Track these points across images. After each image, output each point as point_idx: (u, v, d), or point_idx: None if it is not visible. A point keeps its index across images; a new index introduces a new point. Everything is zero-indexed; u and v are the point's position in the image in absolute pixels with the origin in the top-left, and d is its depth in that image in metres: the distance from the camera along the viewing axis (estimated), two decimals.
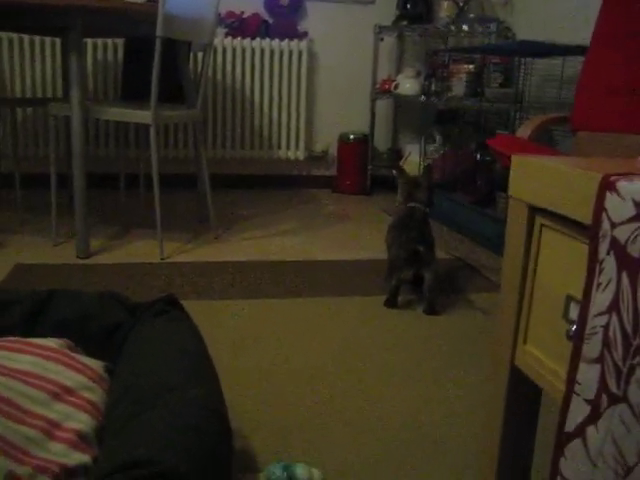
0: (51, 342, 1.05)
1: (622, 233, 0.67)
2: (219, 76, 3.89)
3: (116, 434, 0.90)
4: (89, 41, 3.67)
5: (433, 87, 3.67)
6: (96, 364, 1.07)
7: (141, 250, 2.63)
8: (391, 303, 2.13)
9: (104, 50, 3.73)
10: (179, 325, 1.16)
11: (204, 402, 0.95)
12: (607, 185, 0.69)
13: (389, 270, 2.18)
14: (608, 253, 0.69)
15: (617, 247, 0.68)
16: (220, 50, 3.84)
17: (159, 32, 2.33)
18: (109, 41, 3.72)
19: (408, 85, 3.83)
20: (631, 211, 0.66)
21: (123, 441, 0.87)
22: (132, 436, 0.87)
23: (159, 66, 2.37)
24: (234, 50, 3.87)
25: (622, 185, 0.68)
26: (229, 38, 3.84)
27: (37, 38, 3.63)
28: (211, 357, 1.13)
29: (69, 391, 0.96)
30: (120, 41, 3.72)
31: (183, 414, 0.91)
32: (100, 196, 3.67)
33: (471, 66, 3.46)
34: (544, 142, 3.14)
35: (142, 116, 2.43)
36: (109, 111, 2.46)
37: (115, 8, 2.30)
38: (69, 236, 2.74)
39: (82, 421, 0.92)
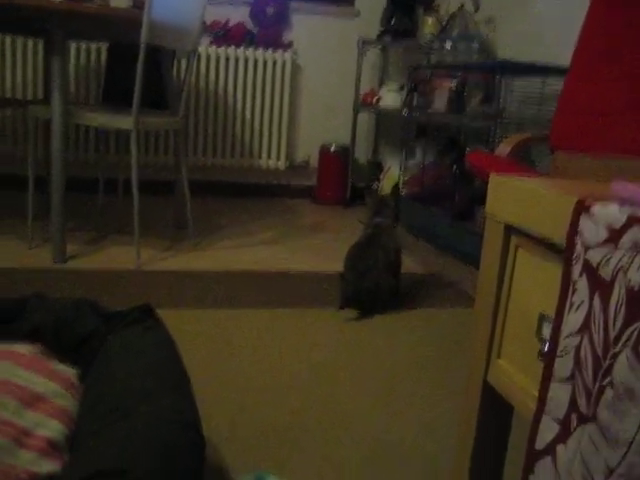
0: (22, 348, 1.04)
1: (595, 256, 0.68)
2: (202, 84, 3.89)
3: (87, 443, 0.89)
4: (72, 45, 3.65)
5: (415, 102, 3.70)
6: (69, 371, 1.06)
7: (118, 256, 2.61)
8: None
9: (87, 54, 3.71)
10: (154, 334, 1.16)
11: (176, 412, 0.95)
12: (581, 209, 0.71)
13: (342, 301, 2.21)
14: (581, 275, 0.70)
15: (590, 270, 0.69)
16: (204, 58, 3.84)
17: (143, 39, 2.33)
18: (92, 45, 3.70)
19: (390, 99, 3.86)
20: (604, 235, 0.67)
21: (93, 450, 0.86)
22: (103, 445, 0.86)
23: (142, 72, 2.36)
24: (218, 58, 3.87)
25: (596, 209, 0.69)
26: (214, 46, 3.84)
27: (19, 39, 3.60)
28: (185, 367, 1.13)
29: (40, 398, 0.95)
30: (104, 45, 3.71)
31: (154, 424, 0.90)
32: (78, 200, 3.64)
33: (453, 82, 3.49)
34: (523, 160, 3.18)
35: (124, 122, 2.42)
36: (91, 116, 2.45)
37: (97, 13, 2.29)
38: (45, 240, 2.72)
39: (53, 429, 0.92)
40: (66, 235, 2.54)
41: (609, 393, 0.66)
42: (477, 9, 3.67)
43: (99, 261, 2.53)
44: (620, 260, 0.65)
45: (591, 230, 0.69)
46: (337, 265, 2.73)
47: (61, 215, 2.45)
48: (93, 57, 3.72)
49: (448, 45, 3.57)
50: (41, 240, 2.73)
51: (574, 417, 0.71)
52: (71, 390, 1.03)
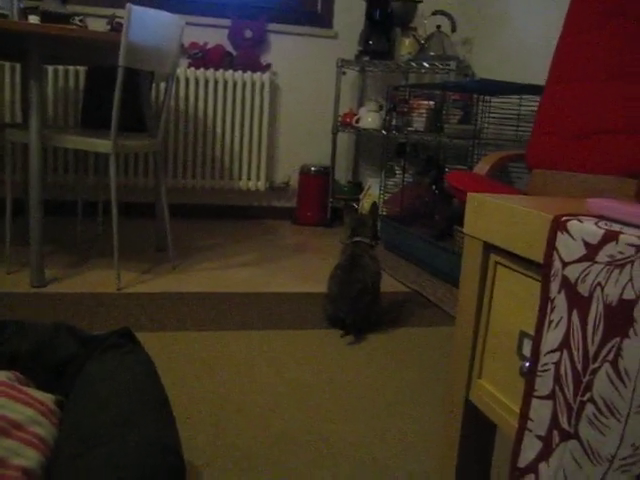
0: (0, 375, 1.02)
1: (572, 272, 0.69)
2: (181, 106, 3.89)
3: (67, 468, 0.87)
4: (50, 68, 3.65)
5: (394, 121, 3.73)
6: (47, 397, 1.05)
7: (97, 280, 2.59)
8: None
9: (65, 77, 3.70)
10: (133, 359, 1.15)
11: (156, 436, 0.94)
12: (558, 225, 0.71)
13: (329, 322, 2.25)
14: (559, 292, 0.71)
15: (568, 286, 0.69)
16: (183, 80, 3.85)
17: (121, 62, 2.33)
18: (71, 68, 3.69)
19: (370, 119, 3.88)
20: (581, 251, 0.68)
21: (73, 475, 0.85)
22: (82, 471, 0.85)
23: (121, 95, 2.36)
24: (197, 80, 3.88)
25: (573, 226, 0.69)
26: (192, 69, 3.85)
27: None
28: (165, 391, 1.11)
29: (17, 426, 0.93)
30: (82, 68, 3.70)
31: (134, 448, 0.89)
32: (57, 223, 3.61)
33: (431, 102, 3.52)
34: (501, 179, 3.20)
35: (102, 145, 2.41)
36: (68, 139, 2.43)
37: (75, 36, 2.29)
38: (24, 264, 2.69)
39: (29, 457, 0.90)
40: (45, 259, 2.51)
41: (590, 409, 0.66)
42: (454, 30, 3.72)
43: (78, 285, 2.51)
44: (597, 276, 0.65)
45: (568, 246, 0.69)
46: (319, 286, 2.73)
47: (39, 238, 2.43)
48: (72, 80, 3.71)
49: (426, 65, 3.61)
50: (19, 264, 2.70)
51: (556, 434, 0.71)
52: (49, 416, 1.01)
